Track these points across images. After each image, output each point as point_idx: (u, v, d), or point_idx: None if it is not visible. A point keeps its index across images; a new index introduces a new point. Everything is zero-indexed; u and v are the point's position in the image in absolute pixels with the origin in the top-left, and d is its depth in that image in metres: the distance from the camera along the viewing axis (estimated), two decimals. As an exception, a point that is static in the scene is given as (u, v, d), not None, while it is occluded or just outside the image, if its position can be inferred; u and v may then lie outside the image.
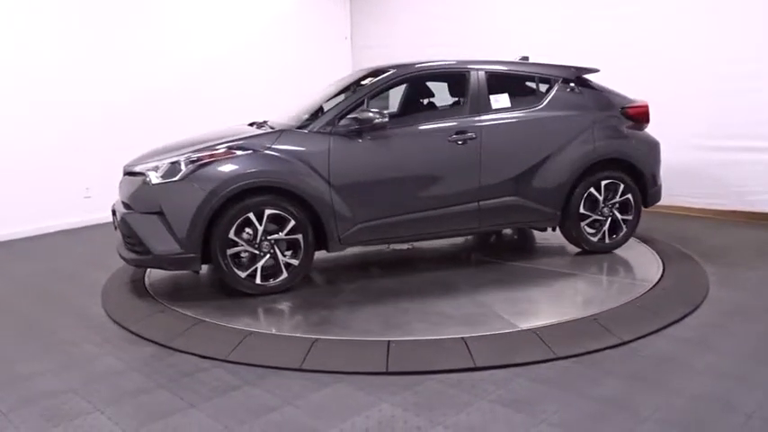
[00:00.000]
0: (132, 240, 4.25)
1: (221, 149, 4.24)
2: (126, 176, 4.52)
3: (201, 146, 4.32)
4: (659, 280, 4.43)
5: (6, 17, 6.39)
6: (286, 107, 5.17)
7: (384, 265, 5.23)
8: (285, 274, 4.32)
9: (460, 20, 8.41)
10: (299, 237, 4.28)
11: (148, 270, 5.01)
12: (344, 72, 8.12)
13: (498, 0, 8.07)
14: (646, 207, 5.17)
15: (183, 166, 4.15)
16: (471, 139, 4.57)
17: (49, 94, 6.72)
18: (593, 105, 4.95)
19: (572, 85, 4.96)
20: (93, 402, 2.98)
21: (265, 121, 4.88)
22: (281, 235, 4.25)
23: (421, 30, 8.84)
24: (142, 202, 4.22)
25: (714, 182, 6.38)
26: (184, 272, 4.78)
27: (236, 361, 3.36)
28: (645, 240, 5.38)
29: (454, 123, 4.64)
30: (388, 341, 3.48)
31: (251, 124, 4.91)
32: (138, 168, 4.37)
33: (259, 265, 4.25)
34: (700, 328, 3.65)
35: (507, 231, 5.93)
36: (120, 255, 4.42)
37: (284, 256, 4.30)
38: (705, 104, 6.28)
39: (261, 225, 4.18)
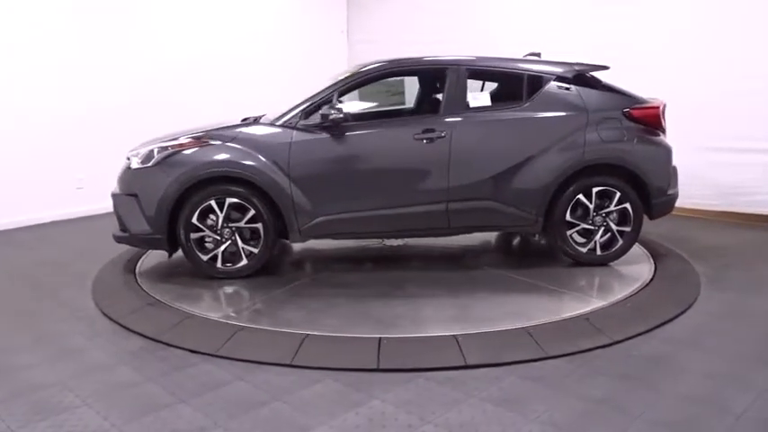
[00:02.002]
0: (118, 219, 4.67)
1: (190, 140, 4.51)
2: (126, 160, 4.79)
3: (179, 136, 4.59)
4: (651, 280, 4.43)
5: (-2, 7, 6.33)
6: (285, 102, 5.14)
7: (377, 260, 5.22)
8: (245, 261, 4.53)
9: (462, 15, 8.37)
10: (260, 226, 4.45)
11: (139, 262, 5.03)
12: (341, 66, 8.11)
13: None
14: (651, 219, 4.76)
15: (155, 154, 4.48)
16: (440, 137, 4.43)
17: (42, 84, 6.67)
18: (588, 106, 4.57)
19: (565, 84, 4.62)
20: (81, 396, 2.96)
21: (259, 117, 4.85)
22: (242, 223, 4.46)
23: (420, 24, 8.81)
24: (124, 184, 4.64)
25: (707, 182, 6.39)
26: (176, 266, 4.87)
27: (227, 356, 3.35)
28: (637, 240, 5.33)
29: (423, 121, 4.58)
30: (380, 338, 3.47)
31: (245, 119, 4.89)
32: (129, 153, 4.70)
33: (219, 250, 4.49)
34: (690, 329, 3.65)
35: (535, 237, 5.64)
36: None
37: (247, 244, 4.49)
38: (697, 105, 6.27)
39: (222, 213, 4.42)
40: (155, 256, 5.16)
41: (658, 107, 4.70)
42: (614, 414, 2.73)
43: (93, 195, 6.88)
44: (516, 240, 5.69)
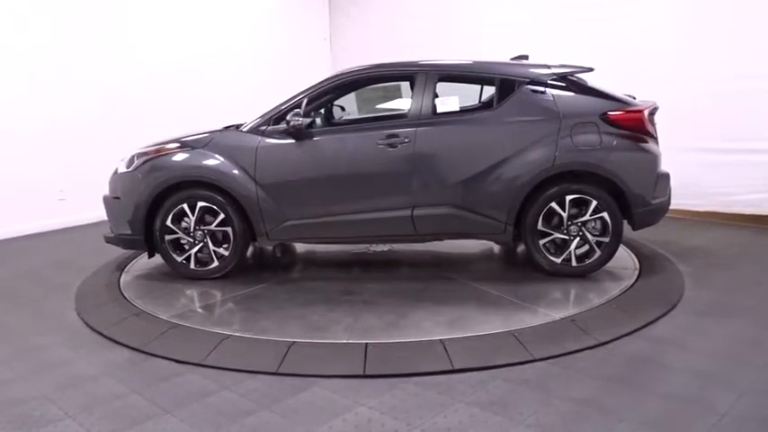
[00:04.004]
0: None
1: (166, 146, 4.70)
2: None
3: (160, 142, 4.79)
4: (635, 281, 4.46)
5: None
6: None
7: (363, 265, 5.21)
8: (216, 263, 4.70)
9: (447, 19, 8.41)
10: (229, 229, 4.60)
11: (123, 273, 5.00)
12: (324, 73, 8.11)
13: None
14: (634, 229, 4.60)
15: (135, 159, 4.71)
16: (403, 143, 4.42)
17: (22, 94, 6.62)
18: (562, 110, 4.40)
19: (540, 87, 4.49)
20: (64, 409, 2.92)
21: (240, 124, 4.85)
22: (212, 227, 4.64)
23: (402, 30, 8.85)
24: (110, 187, 4.89)
25: (692, 183, 6.45)
26: (160, 276, 4.87)
27: (212, 365, 3.32)
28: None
29: (387, 127, 4.58)
30: (366, 343, 3.46)
31: (227, 127, 4.90)
32: (121, 158, 4.92)
33: (192, 252, 4.68)
34: (675, 329, 3.68)
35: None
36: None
37: (220, 246, 4.66)
38: (683, 106, 6.33)
39: (193, 216, 4.60)
40: (139, 266, 5.13)
41: (641, 111, 4.49)
42: (600, 415, 2.74)
43: (76, 206, 6.83)
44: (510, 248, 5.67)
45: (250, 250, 5.45)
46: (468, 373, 3.17)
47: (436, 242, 4.86)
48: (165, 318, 3.96)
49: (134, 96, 7.46)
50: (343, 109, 5.82)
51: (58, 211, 6.90)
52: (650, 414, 2.74)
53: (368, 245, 5.49)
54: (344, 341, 3.53)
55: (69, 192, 6.94)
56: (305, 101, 4.59)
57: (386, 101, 6.18)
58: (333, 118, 5.55)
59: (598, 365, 3.22)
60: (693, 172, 6.40)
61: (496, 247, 5.54)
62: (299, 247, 5.71)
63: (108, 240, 4.89)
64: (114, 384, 3.16)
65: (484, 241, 5.39)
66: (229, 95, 8.26)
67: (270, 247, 5.64)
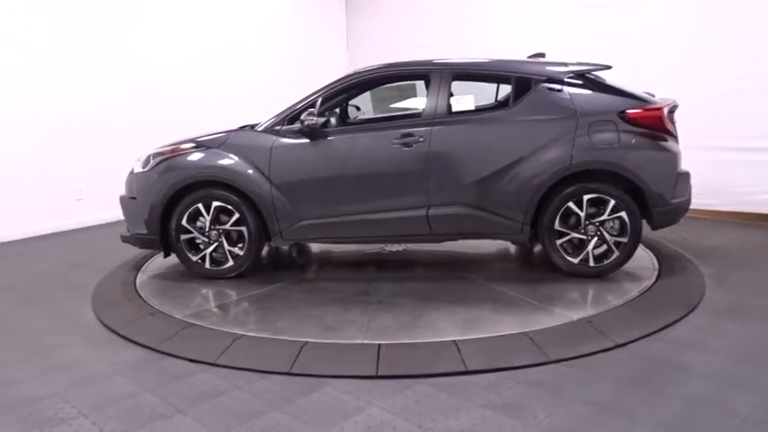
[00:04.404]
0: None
1: (182, 146, 4.71)
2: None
3: (175, 142, 4.81)
4: (655, 281, 4.38)
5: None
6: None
7: (378, 265, 5.19)
8: (231, 262, 4.70)
9: (464, 17, 8.36)
10: (244, 229, 4.59)
11: (140, 272, 5.03)
12: (340, 73, 8.10)
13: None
14: (653, 229, 4.53)
15: (151, 159, 4.72)
16: (418, 142, 4.39)
17: (42, 94, 6.67)
18: (579, 108, 4.34)
19: (557, 85, 4.43)
20: (77, 407, 2.93)
21: (255, 124, 4.85)
22: (227, 226, 4.63)
23: (420, 29, 8.81)
24: (127, 187, 4.91)
25: (712, 182, 6.33)
26: (177, 275, 4.89)
27: (225, 365, 3.32)
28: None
29: (402, 126, 4.54)
30: (379, 344, 3.43)
31: (242, 127, 4.90)
32: (137, 158, 4.94)
33: (207, 251, 4.69)
34: (695, 330, 3.60)
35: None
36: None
37: (235, 246, 4.67)
38: (703, 103, 6.22)
39: (208, 215, 4.61)
40: (155, 266, 5.16)
41: (660, 109, 4.41)
42: (616, 418, 2.69)
43: (94, 206, 6.89)
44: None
45: (266, 250, 5.46)
46: (481, 375, 3.13)
47: (452, 242, 4.82)
48: (179, 317, 3.97)
49: (151, 97, 7.51)
50: (358, 109, 5.80)
51: (77, 211, 6.96)
52: (668, 417, 2.68)
53: (383, 245, 5.46)
54: (358, 341, 3.51)
55: (87, 192, 7.00)
56: (319, 100, 4.58)
57: (401, 100, 6.14)
58: (348, 117, 5.53)
59: (615, 367, 3.16)
60: (714, 171, 6.27)
61: (513, 248, 5.48)
62: (315, 248, 5.70)
63: (124, 240, 4.92)
64: (127, 383, 3.17)
65: (500, 241, 5.34)
66: (245, 95, 8.28)
67: (285, 247, 5.64)
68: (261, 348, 3.49)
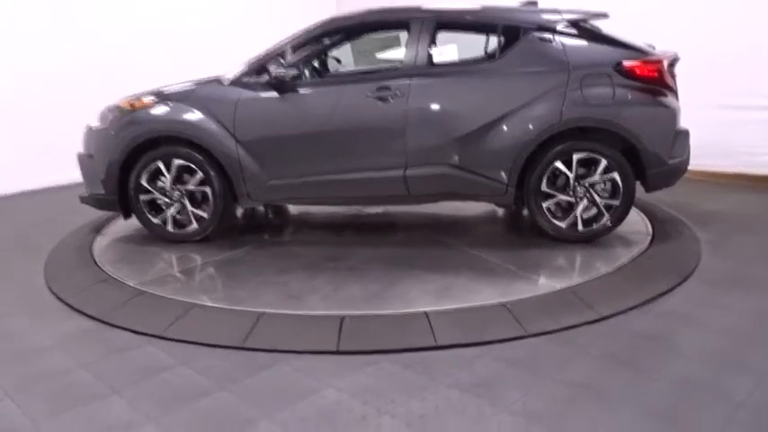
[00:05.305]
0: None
1: (142, 99, 4.34)
2: None
3: (135, 95, 4.43)
4: (647, 247, 4.08)
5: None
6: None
7: (355, 228, 4.89)
8: (195, 225, 4.39)
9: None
10: (208, 189, 4.27)
11: (100, 234, 4.76)
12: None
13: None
14: (647, 191, 4.23)
15: (108, 114, 4.38)
16: (395, 96, 4.03)
17: (9, 47, 6.27)
18: (572, 60, 3.99)
19: (548, 35, 4.07)
20: (4, 387, 2.66)
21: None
22: (190, 186, 4.31)
23: None
24: (85, 144, 4.53)
25: (713, 141, 5.96)
26: (138, 239, 4.60)
27: (173, 338, 3.04)
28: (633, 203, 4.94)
29: (378, 79, 4.16)
30: (342, 316, 3.14)
31: (213, 79, 4.52)
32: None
33: (169, 213, 4.38)
34: (688, 302, 3.31)
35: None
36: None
37: (199, 207, 4.35)
38: (705, 57, 5.81)
39: (169, 175, 4.29)
40: (117, 229, 4.86)
41: (660, 61, 4.06)
42: (596, 401, 2.42)
43: (65, 164, 6.53)
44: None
45: (241, 210, 5.15)
46: (452, 350, 2.86)
47: (435, 204, 4.51)
48: (133, 285, 3.68)
49: (124, 50, 7.09)
50: (339, 61, 5.42)
51: (48, 170, 6.60)
52: (653, 402, 2.41)
53: (360, 207, 5.15)
54: (320, 312, 3.22)
55: (55, 148, 6.62)
56: (289, 50, 4.21)
57: (384, 52, 5.74)
58: (327, 71, 5.15)
59: (599, 343, 2.88)
60: (715, 129, 5.89)
61: (500, 211, 5.16)
62: (292, 209, 5.39)
63: (83, 201, 4.59)
64: (64, 358, 2.90)
65: (487, 204, 5.02)
66: (229, 51, 7.81)
67: (261, 208, 5.32)
68: (215, 319, 3.21)
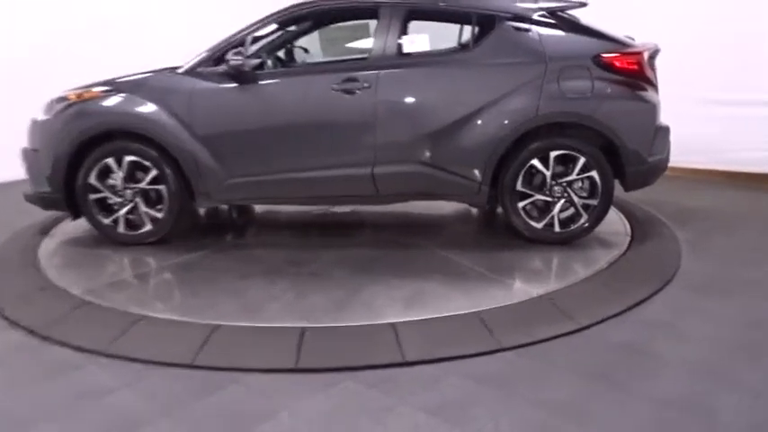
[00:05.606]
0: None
1: (91, 90, 4.03)
2: None
3: (85, 85, 4.11)
4: (626, 249, 3.91)
5: None
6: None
7: (321, 229, 4.65)
8: (149, 226, 4.09)
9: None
10: (163, 188, 3.97)
11: (47, 237, 4.44)
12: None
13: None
14: (626, 190, 4.06)
15: (55, 105, 4.06)
16: (363, 89, 3.79)
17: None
18: (549, 51, 3.79)
19: (522, 25, 3.85)
20: None
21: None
22: (143, 185, 4.01)
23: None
24: (30, 138, 4.18)
25: (691, 137, 5.81)
26: (89, 241, 4.29)
27: (117, 354, 2.77)
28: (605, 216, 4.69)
29: (344, 69, 3.92)
30: (303, 328, 2.91)
31: (172, 69, 4.24)
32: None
33: (120, 213, 4.07)
34: (670, 309, 3.14)
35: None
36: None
37: (153, 207, 4.05)
38: (685, 50, 5.64)
39: (121, 172, 3.98)
40: (68, 229, 4.54)
41: (640, 53, 3.87)
42: (574, 425, 2.22)
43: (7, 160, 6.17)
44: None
45: (203, 210, 4.87)
46: (421, 367, 2.64)
47: (407, 203, 4.27)
48: (77, 293, 3.39)
49: (75, 37, 6.69)
50: (306, 51, 5.15)
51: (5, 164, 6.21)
52: (634, 424, 2.22)
53: (328, 206, 4.90)
54: (279, 324, 2.98)
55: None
56: (249, 38, 3.94)
57: (353, 42, 5.49)
58: (292, 61, 4.88)
59: (577, 357, 2.69)
60: (693, 125, 5.72)
61: (474, 210, 4.95)
62: (258, 207, 5.11)
63: (27, 199, 4.26)
64: (-9, 380, 2.62)
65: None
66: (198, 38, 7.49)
67: (225, 207, 5.04)
68: (164, 333, 2.95)
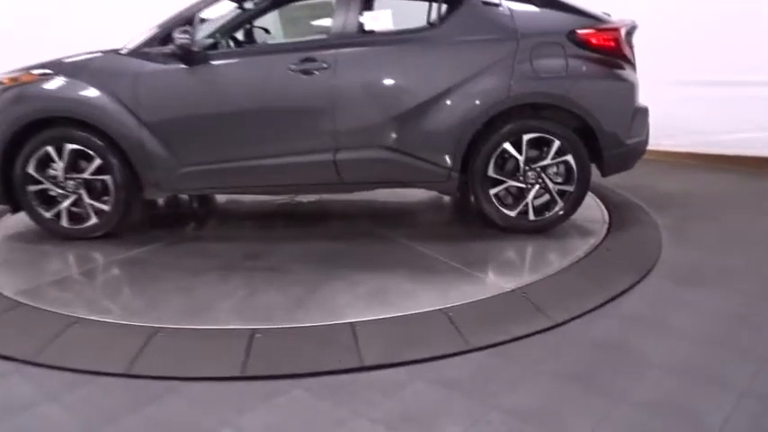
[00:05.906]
0: None
1: (29, 73, 3.72)
2: None
3: (22, 68, 3.79)
4: (604, 237, 3.71)
5: None
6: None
7: (284, 220, 4.37)
8: (95, 220, 3.79)
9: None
10: (108, 178, 3.68)
11: (-13, 233, 4.10)
12: None
13: None
14: (603, 175, 3.84)
15: None
16: (321, 69, 3.54)
17: None
18: (520, 27, 3.56)
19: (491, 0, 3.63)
20: None
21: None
22: (87, 175, 3.72)
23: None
24: None
25: (669, 120, 5.63)
26: (32, 236, 3.96)
27: (46, 363, 2.49)
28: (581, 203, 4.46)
29: (301, 49, 3.65)
30: (253, 330, 2.64)
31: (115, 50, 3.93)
32: None
33: (62, 206, 3.76)
34: (650, 302, 2.94)
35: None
36: None
37: (98, 199, 3.76)
38: (662, 28, 5.44)
39: (61, 162, 3.68)
40: (10, 223, 4.21)
41: (617, 29, 3.67)
42: (549, 437, 2.00)
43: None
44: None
45: (162, 199, 4.58)
46: (381, 371, 2.40)
47: (376, 192, 4.04)
48: (8, 294, 3.09)
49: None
50: (267, 32, 4.85)
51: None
52: (620, 430, 2.01)
53: (291, 195, 4.63)
54: (227, 327, 2.72)
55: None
56: (198, 15, 3.64)
57: (315, 21, 5.20)
58: (251, 41, 4.57)
59: (553, 357, 2.47)
60: (670, 107, 5.54)
61: (445, 198, 4.71)
62: (220, 197, 4.82)
63: None
64: None
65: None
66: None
67: (185, 196, 4.75)
68: (99, 338, 2.67)
